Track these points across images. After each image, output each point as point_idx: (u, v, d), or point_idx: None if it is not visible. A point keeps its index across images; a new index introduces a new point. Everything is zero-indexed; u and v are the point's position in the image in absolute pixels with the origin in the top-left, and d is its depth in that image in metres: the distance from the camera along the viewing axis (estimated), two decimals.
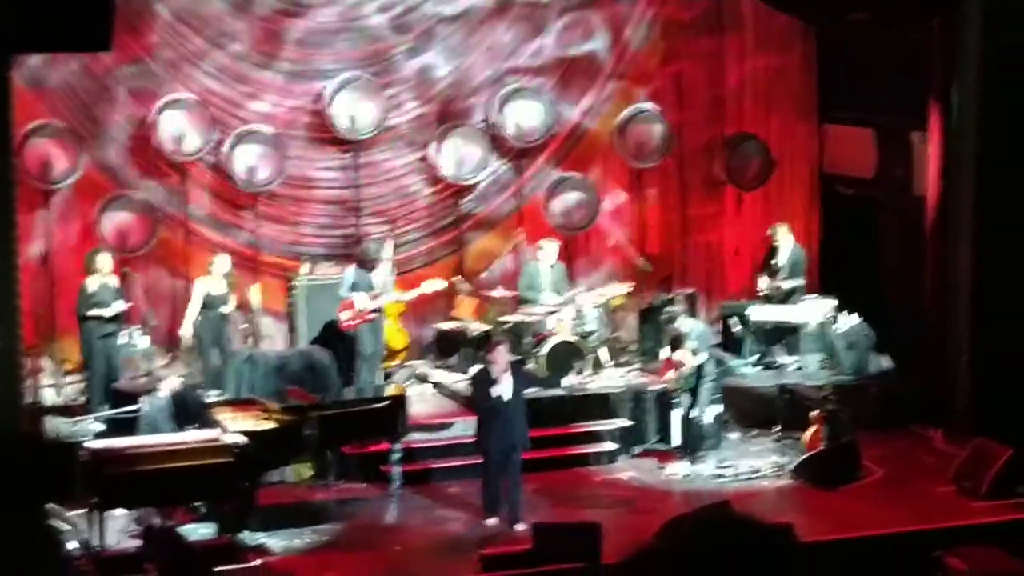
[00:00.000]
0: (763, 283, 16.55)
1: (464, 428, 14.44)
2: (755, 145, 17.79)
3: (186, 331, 15.22)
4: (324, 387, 14.58)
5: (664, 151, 17.50)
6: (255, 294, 15.78)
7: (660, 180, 17.99)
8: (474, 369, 14.24)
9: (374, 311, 15.20)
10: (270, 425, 12.80)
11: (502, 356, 12.87)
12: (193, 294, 15.25)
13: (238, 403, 13.79)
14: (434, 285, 15.55)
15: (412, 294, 15.61)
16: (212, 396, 14.77)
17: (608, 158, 17.78)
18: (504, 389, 12.74)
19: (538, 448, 14.16)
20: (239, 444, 12.24)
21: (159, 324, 15.75)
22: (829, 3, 16.70)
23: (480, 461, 13.17)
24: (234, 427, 12.60)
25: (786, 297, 16.43)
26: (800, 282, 16.42)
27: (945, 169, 15.45)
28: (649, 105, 17.41)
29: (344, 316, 15.19)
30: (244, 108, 16.39)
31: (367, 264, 15.29)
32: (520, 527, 12.62)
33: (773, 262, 16.59)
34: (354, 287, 15.20)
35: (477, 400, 13.20)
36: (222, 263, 15.35)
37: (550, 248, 16.16)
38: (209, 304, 15.19)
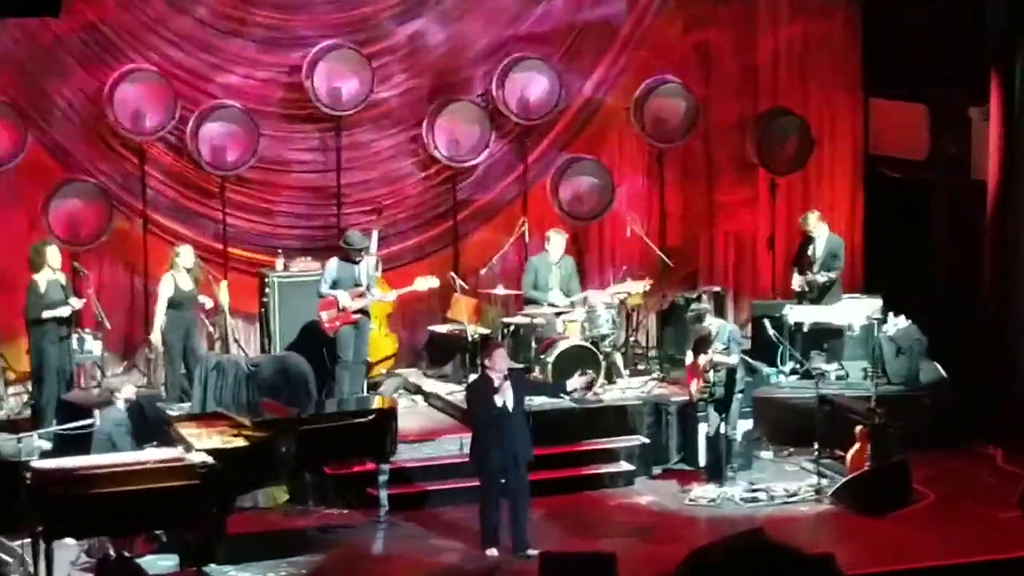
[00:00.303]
0: (796, 280, 16.53)
1: (461, 445, 14.38)
2: (791, 123, 17.73)
3: (156, 336, 15.22)
4: (301, 398, 14.54)
5: (687, 129, 17.46)
6: (223, 292, 15.73)
7: (683, 162, 17.95)
8: (471, 377, 14.22)
9: (358, 311, 15.18)
10: (240, 442, 12.75)
11: (501, 360, 12.81)
12: (160, 291, 15.24)
13: (204, 417, 13.74)
14: (426, 283, 15.53)
15: (400, 292, 15.58)
16: (175, 409, 14.76)
17: (624, 138, 17.75)
18: (506, 398, 12.65)
19: (545, 468, 14.15)
20: (205, 464, 12.19)
21: (114, 327, 15.70)
22: None
23: (478, 482, 13.10)
24: (200, 444, 12.55)
25: (821, 294, 16.39)
26: (835, 275, 16.36)
27: (1007, 149, 15.42)
28: (671, 78, 17.37)
29: (325, 316, 15.18)
30: (210, 81, 16.33)
31: (350, 257, 15.26)
32: (531, 553, 12.53)
33: (810, 253, 16.55)
34: (336, 284, 15.18)
35: (476, 411, 13.10)
36: (187, 255, 15.33)
37: (558, 240, 16.12)
38: (176, 303, 15.19)
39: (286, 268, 16.25)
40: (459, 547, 13.24)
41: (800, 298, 16.49)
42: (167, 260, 15.42)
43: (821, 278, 16.33)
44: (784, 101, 17.96)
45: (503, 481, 12.81)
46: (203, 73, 16.32)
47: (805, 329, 16.18)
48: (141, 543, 12.81)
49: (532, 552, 12.56)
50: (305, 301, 15.58)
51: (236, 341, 16.17)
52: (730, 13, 17.85)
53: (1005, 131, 15.47)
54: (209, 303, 15.40)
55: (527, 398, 13.37)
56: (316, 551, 13.16)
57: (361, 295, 15.22)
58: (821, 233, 16.55)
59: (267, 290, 16.09)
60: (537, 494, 13.80)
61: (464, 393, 14.30)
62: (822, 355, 16.13)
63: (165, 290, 15.17)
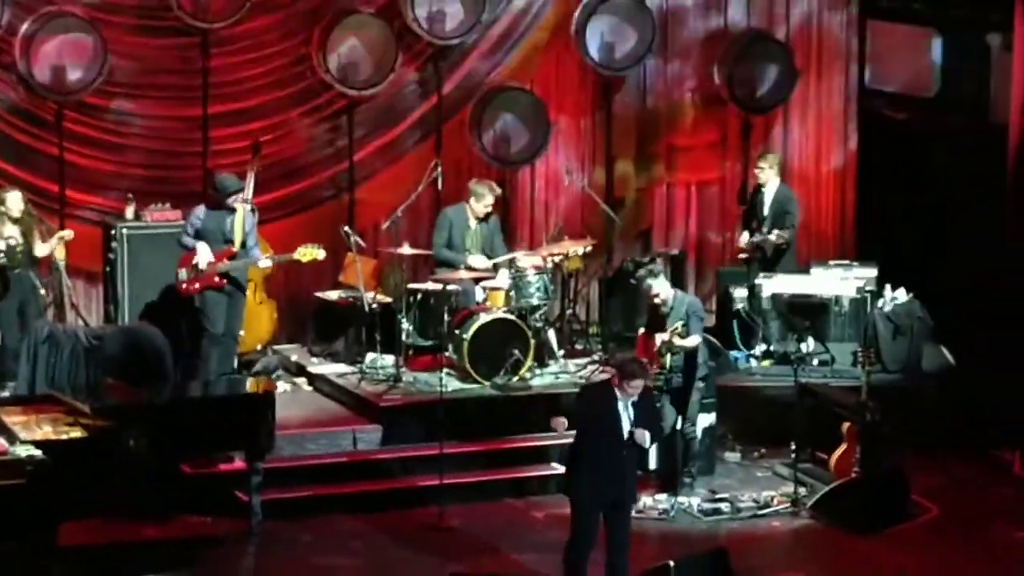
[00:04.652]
0: (744, 239, 16.68)
1: (355, 440, 14.57)
2: (770, 49, 17.84)
3: None
4: (155, 379, 14.54)
5: (642, 54, 17.51)
6: (59, 247, 15.68)
7: (635, 97, 18.00)
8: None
9: (224, 276, 15.13)
10: (77, 433, 12.70)
11: (637, 388, 12.15)
12: None
13: (33, 401, 13.66)
14: (310, 253, 15.39)
15: (276, 260, 15.45)
16: None
17: (562, 63, 17.79)
18: (624, 414, 12.12)
19: (460, 470, 14.34)
20: (33, 459, 12.14)
21: None
22: None
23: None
24: (26, 435, 12.49)
25: (773, 259, 16.49)
26: (788, 235, 16.42)
27: None
28: None
29: (183, 275, 15.12)
30: None
31: (222, 206, 15.20)
32: None
33: (758, 208, 16.69)
34: (200, 235, 15.11)
35: (582, 427, 12.40)
36: (15, 200, 15.30)
37: (483, 193, 16.08)
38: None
39: (138, 217, 16.21)
40: (349, 564, 13.26)
41: (747, 263, 16.68)
42: None
43: (773, 238, 16.42)
44: (760, 22, 18.02)
45: (599, 521, 12.27)
46: None
47: (783, 304, 16.27)
48: None
49: None
50: (161, 258, 15.57)
51: (74, 307, 16.12)
52: None
53: None
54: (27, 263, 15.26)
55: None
56: (171, 569, 13.11)
57: (232, 256, 15.16)
58: (770, 182, 16.66)
59: (114, 244, 16.06)
60: (453, 501, 13.92)
61: (575, 398, 13.63)
62: (803, 336, 16.23)
63: None
